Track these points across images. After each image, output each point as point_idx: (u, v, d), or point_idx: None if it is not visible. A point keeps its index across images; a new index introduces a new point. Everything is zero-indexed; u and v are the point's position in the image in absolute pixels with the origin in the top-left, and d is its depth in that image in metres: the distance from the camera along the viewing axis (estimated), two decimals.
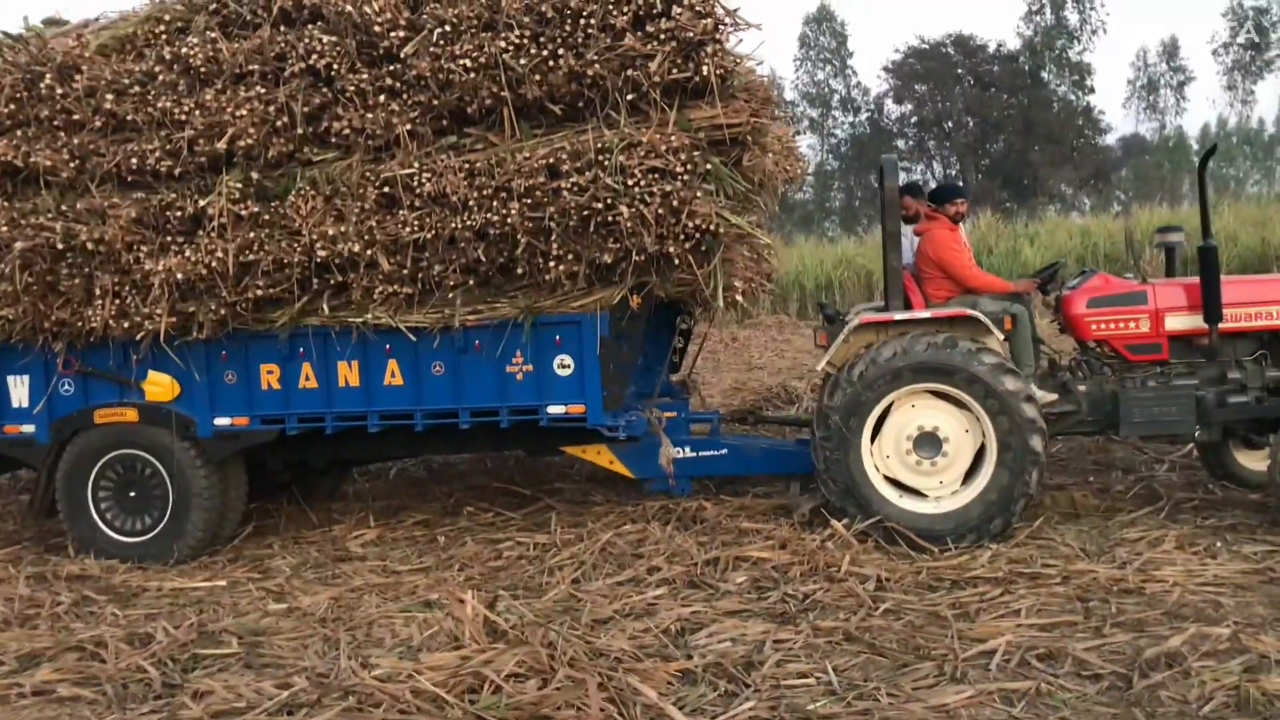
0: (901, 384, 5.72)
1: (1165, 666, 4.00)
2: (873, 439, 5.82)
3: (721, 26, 5.38)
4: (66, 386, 6.50)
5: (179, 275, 5.90)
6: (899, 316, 5.93)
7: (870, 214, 41.36)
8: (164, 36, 5.95)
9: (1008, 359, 5.77)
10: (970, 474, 5.81)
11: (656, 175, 5.42)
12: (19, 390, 6.55)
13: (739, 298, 5.75)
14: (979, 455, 5.78)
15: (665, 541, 5.90)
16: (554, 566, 5.71)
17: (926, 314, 5.95)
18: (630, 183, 5.42)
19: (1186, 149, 51.31)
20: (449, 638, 4.57)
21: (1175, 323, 6.04)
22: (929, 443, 5.77)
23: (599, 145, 5.47)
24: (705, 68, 5.35)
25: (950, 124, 41.47)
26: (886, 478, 5.85)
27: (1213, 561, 5.20)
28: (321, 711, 3.92)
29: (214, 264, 5.85)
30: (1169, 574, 5.01)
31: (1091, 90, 42.93)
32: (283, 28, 5.84)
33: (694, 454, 6.55)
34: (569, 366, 5.94)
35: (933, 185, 7.98)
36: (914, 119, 42.97)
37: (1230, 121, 52.01)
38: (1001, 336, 5.87)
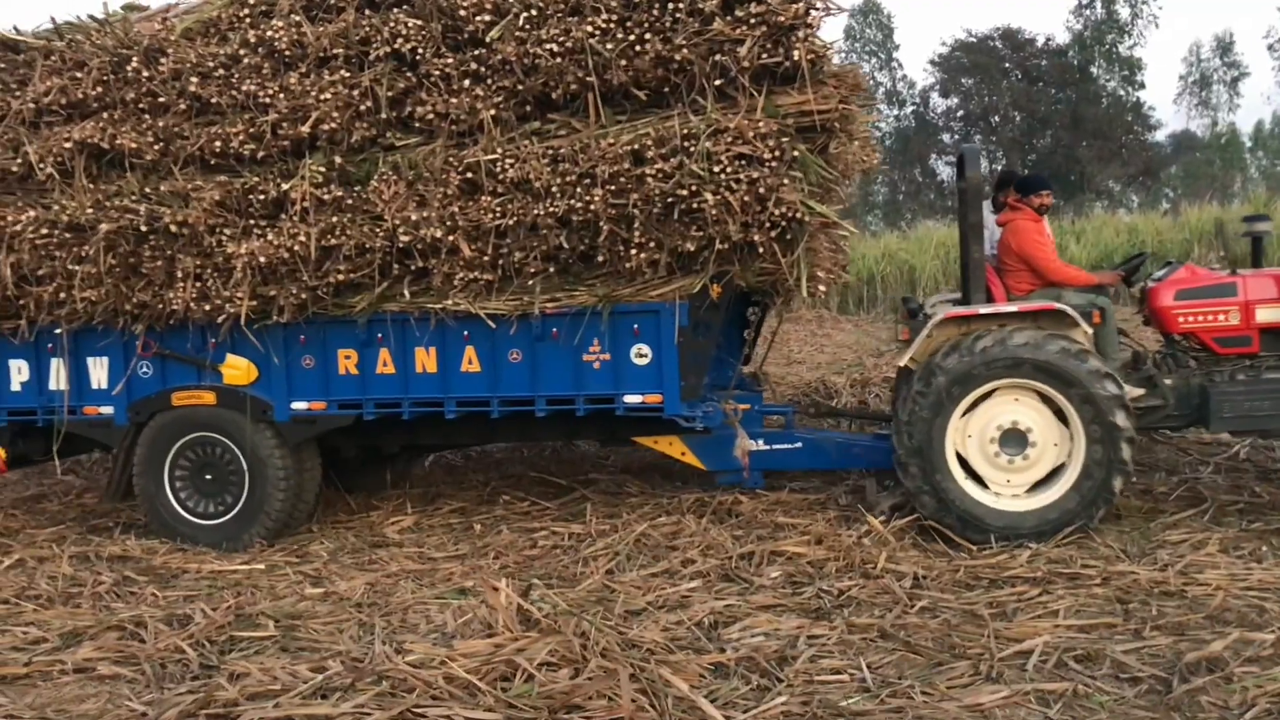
0: (1018, 374, 5.59)
1: (1206, 671, 3.90)
2: (964, 414, 5.71)
3: (813, 11, 5.31)
4: (145, 369, 6.56)
5: (261, 259, 5.93)
6: (984, 310, 5.82)
7: (914, 208, 40.98)
8: (248, 20, 5.95)
9: (1125, 391, 5.59)
10: (1040, 484, 5.70)
11: (743, 162, 5.36)
12: (98, 372, 6.62)
13: (821, 288, 5.68)
14: (1056, 469, 5.67)
15: (700, 534, 5.88)
16: (588, 557, 5.70)
17: (1012, 308, 5.83)
18: (716, 169, 5.36)
19: (1239, 146, 50.38)
20: (483, 625, 4.58)
21: (1267, 315, 5.89)
22: (1015, 440, 5.67)
23: (685, 131, 5.41)
24: (796, 53, 5.27)
25: (997, 118, 40.85)
26: (958, 455, 5.75)
27: (1257, 566, 5.06)
28: (355, 695, 3.92)
29: (296, 248, 5.87)
30: (1212, 577, 4.88)
31: (1142, 86, 42.07)
32: (367, 11, 5.83)
33: (768, 447, 6.49)
34: (647, 356, 5.90)
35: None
36: (960, 113, 42.38)
37: None
38: (1089, 330, 5.76)
